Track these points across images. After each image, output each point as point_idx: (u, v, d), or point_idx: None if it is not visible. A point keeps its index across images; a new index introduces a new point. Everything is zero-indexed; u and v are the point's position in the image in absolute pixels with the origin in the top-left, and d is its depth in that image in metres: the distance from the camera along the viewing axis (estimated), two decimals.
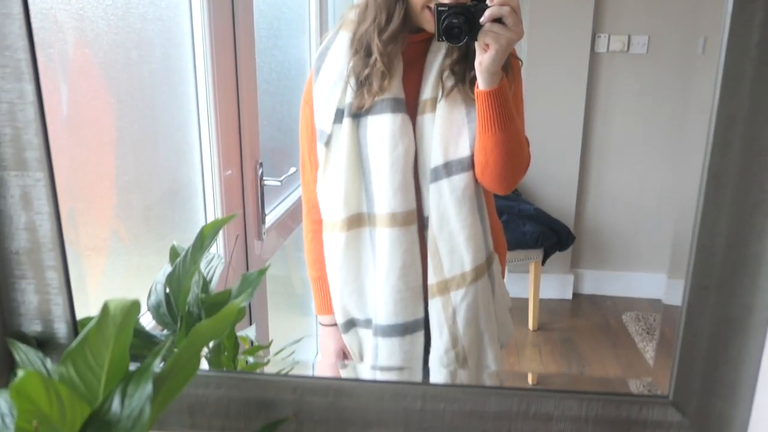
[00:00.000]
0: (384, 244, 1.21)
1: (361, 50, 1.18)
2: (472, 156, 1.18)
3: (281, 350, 0.98)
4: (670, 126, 3.16)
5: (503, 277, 1.37)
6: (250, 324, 1.61)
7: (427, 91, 1.19)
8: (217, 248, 1.54)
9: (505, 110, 1.12)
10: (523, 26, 1.07)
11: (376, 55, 1.16)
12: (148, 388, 0.54)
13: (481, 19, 1.06)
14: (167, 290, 0.75)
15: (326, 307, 1.35)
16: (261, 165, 1.66)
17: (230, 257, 1.31)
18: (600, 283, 3.42)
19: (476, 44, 1.08)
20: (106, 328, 0.53)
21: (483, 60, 1.08)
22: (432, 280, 1.24)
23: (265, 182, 1.69)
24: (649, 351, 2.87)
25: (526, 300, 3.18)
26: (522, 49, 3.33)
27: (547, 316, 3.20)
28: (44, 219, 0.65)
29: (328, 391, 0.68)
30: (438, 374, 1.30)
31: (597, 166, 3.26)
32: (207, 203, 1.50)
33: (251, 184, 1.64)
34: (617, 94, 3.16)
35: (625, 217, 3.31)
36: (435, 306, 1.25)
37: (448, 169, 1.18)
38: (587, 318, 3.19)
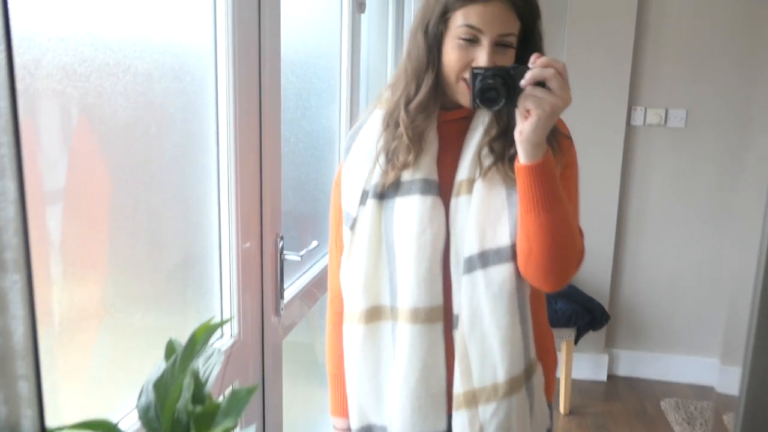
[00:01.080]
0: (404, 342, 1.08)
1: (392, 124, 1.11)
2: (512, 246, 1.04)
3: None
4: (710, 201, 3.05)
5: (549, 395, 1.20)
6: (263, 409, 1.53)
7: (463, 171, 1.08)
8: (231, 326, 1.49)
9: (551, 188, 0.98)
10: (570, 92, 0.94)
11: (402, 127, 1.08)
12: None
13: (522, 82, 0.94)
14: (154, 395, 0.69)
15: (341, 408, 1.23)
16: (281, 238, 1.62)
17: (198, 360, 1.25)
18: (636, 364, 3.25)
19: (516, 111, 0.97)
20: None
21: (524, 128, 0.96)
22: (458, 388, 1.08)
23: (286, 257, 1.64)
24: None
25: (558, 381, 3.03)
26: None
27: (580, 399, 3.03)
28: (18, 324, 0.60)
29: None
30: None
31: (633, 242, 3.15)
32: (223, 277, 1.46)
33: (270, 258, 1.59)
34: (654, 168, 3.07)
35: (663, 296, 3.16)
36: (459, 419, 1.09)
37: (484, 259, 1.05)
38: (623, 402, 3.00)
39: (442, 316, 1.08)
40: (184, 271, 1.30)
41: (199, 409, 0.68)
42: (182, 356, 0.65)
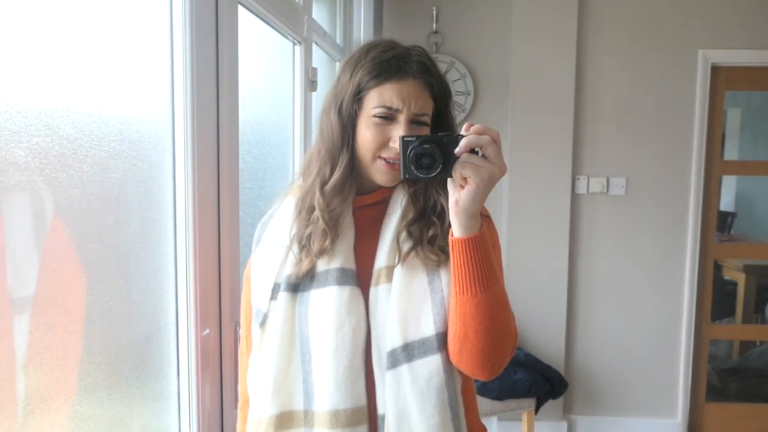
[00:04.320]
0: None
1: (305, 209, 1.03)
2: (438, 335, 0.95)
3: None
4: (654, 264, 3.14)
5: None
6: None
7: (381, 259, 0.99)
8: (189, 419, 1.38)
9: (487, 263, 0.91)
10: (504, 160, 0.90)
11: (317, 211, 1.00)
12: None
13: (457, 150, 0.89)
14: None
15: None
16: (240, 326, 1.54)
17: None
18: (594, 429, 3.22)
19: (449, 182, 0.91)
20: None
21: (460, 198, 0.89)
22: None
23: None
24: None
25: None
26: (503, 193, 3.37)
27: None
28: None
29: None
30: None
31: (584, 308, 3.18)
32: (181, 366, 1.37)
33: (229, 345, 1.51)
34: (599, 234, 3.15)
35: (617, 360, 3.18)
36: None
37: (408, 352, 0.95)
38: None
39: (366, 419, 0.97)
40: (141, 362, 1.21)
41: None
42: None
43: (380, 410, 0.97)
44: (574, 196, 3.15)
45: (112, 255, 1.08)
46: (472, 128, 0.90)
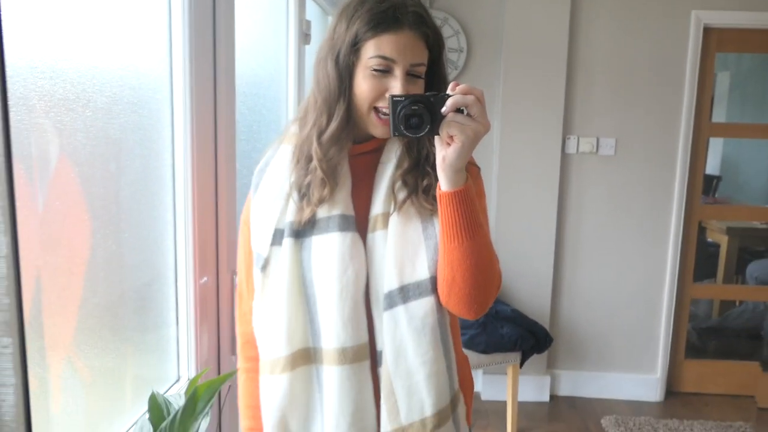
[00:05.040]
0: (332, 385, 1.03)
1: (302, 158, 1.05)
2: (431, 279, 1.02)
3: None
4: (641, 225, 3.19)
5: (469, 423, 1.18)
6: None
7: (377, 206, 1.04)
8: (188, 367, 1.42)
9: (472, 214, 0.97)
10: (488, 118, 0.94)
11: (315, 160, 1.03)
12: None
13: (443, 109, 0.93)
14: None
15: None
16: (236, 273, 1.57)
17: (222, 407, 1.19)
18: (577, 384, 3.32)
19: (437, 140, 0.95)
20: None
21: (447, 155, 0.93)
22: (386, 427, 1.04)
23: None
24: None
25: (504, 403, 3.05)
26: (494, 151, 3.40)
27: (526, 421, 3.06)
28: (9, 392, 0.55)
29: None
30: None
31: (571, 266, 3.25)
32: (180, 312, 1.39)
33: (226, 293, 1.54)
34: (589, 194, 3.19)
35: (600, 317, 3.26)
36: None
37: (404, 294, 1.02)
38: (566, 422, 3.06)
39: (368, 354, 1.04)
40: (141, 308, 1.23)
41: None
42: (182, 414, 0.60)
43: (378, 347, 1.04)
44: (564, 156, 3.18)
45: (114, 200, 1.10)
46: (458, 88, 0.93)
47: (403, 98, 0.94)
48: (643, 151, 3.16)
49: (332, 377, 1.03)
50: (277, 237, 1.06)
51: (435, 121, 0.93)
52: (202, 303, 1.45)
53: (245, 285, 1.13)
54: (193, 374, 1.46)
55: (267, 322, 1.07)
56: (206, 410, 0.61)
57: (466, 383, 1.16)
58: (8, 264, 0.53)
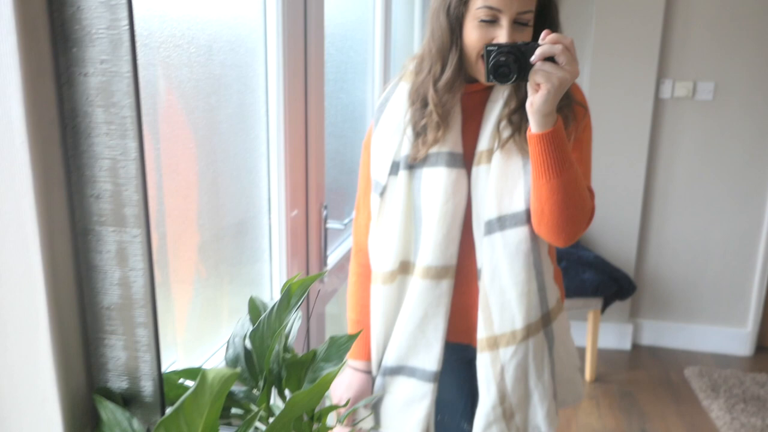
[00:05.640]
0: (413, 293, 1.20)
1: (418, 101, 1.18)
2: (527, 210, 1.14)
3: (350, 412, 0.94)
4: (736, 174, 3.05)
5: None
6: None
7: (483, 142, 1.16)
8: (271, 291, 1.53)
9: (560, 154, 1.05)
10: (578, 66, 1.00)
11: (431, 106, 1.15)
12: None
13: (532, 58, 1.00)
14: (249, 346, 0.74)
15: (363, 352, 1.34)
16: (326, 207, 1.66)
17: (311, 312, 1.30)
18: (660, 334, 3.28)
19: (528, 85, 1.03)
20: (203, 397, 0.51)
21: (534, 100, 1.02)
22: (481, 334, 1.20)
23: (329, 225, 1.68)
24: (714, 410, 2.73)
25: (583, 349, 3.07)
26: (584, 93, 3.33)
27: (605, 367, 3.07)
28: (138, 275, 0.65)
29: None
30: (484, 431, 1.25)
31: (659, 214, 3.16)
32: (273, 242, 1.50)
33: (315, 226, 1.63)
34: (681, 141, 3.07)
35: (687, 267, 3.18)
36: (483, 361, 1.21)
37: (501, 223, 1.15)
38: (647, 371, 3.05)
39: (452, 275, 1.19)
40: (238, 237, 1.34)
41: (294, 356, 0.73)
42: (278, 308, 0.69)
43: (479, 265, 1.19)
44: (658, 101, 3.06)
45: (216, 131, 1.20)
46: (547, 37, 1.01)
47: (496, 47, 1.03)
48: (744, 96, 3.00)
49: (415, 287, 1.20)
50: (394, 168, 1.22)
51: (523, 69, 1.02)
52: (293, 236, 1.55)
53: (362, 200, 1.32)
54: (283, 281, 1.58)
55: (381, 240, 1.24)
56: (299, 304, 0.69)
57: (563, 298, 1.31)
58: (137, 166, 0.62)
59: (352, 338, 0.68)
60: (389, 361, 1.27)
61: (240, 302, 1.39)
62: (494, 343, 1.19)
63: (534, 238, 1.16)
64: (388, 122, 1.23)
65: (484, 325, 1.19)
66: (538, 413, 1.24)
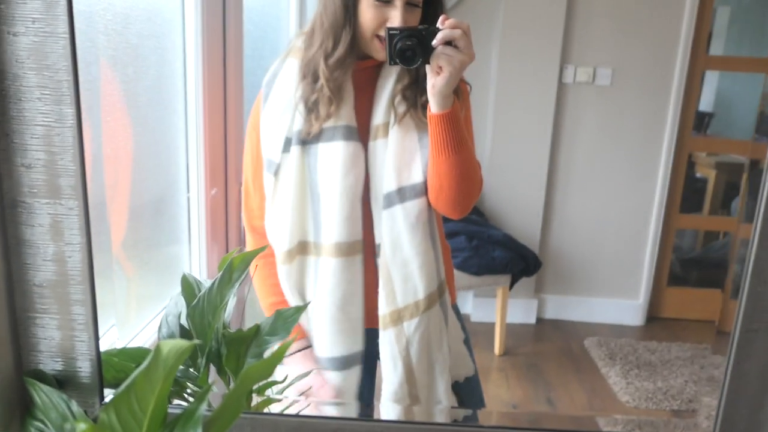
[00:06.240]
0: (327, 274, 1.19)
1: (309, 76, 1.18)
2: (425, 182, 1.18)
3: (289, 385, 0.94)
4: (633, 156, 3.26)
5: (453, 302, 1.35)
6: None
7: (378, 117, 1.19)
8: (200, 274, 1.49)
9: (458, 133, 1.12)
10: (473, 49, 1.07)
11: (322, 80, 1.15)
12: None
13: (434, 42, 1.06)
14: (188, 325, 0.72)
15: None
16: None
17: (248, 288, 1.27)
18: (562, 308, 3.47)
19: (428, 68, 1.08)
20: (156, 371, 0.49)
21: (436, 83, 1.08)
22: (384, 310, 1.21)
23: None
24: (612, 376, 2.92)
25: (493, 324, 3.19)
26: (492, 76, 3.40)
27: (513, 341, 3.21)
28: (75, 250, 0.61)
29: None
30: (390, 410, 1.27)
31: (562, 193, 3.33)
32: (192, 220, 1.46)
33: (235, 205, 1.60)
34: (583, 124, 3.23)
35: (587, 243, 3.37)
36: (388, 338, 1.22)
37: (401, 194, 1.18)
38: (551, 342, 3.22)
39: (362, 249, 1.20)
40: (156, 216, 1.29)
41: (236, 332, 0.71)
42: (219, 284, 0.67)
43: (377, 240, 1.20)
44: (561, 85, 3.20)
45: (133, 104, 1.14)
46: (446, 22, 1.07)
47: (399, 31, 1.07)
48: (639, 82, 3.19)
49: (328, 267, 1.19)
50: (287, 145, 1.19)
51: (426, 52, 1.07)
52: (212, 215, 1.51)
53: (251, 185, 1.28)
54: None
55: (278, 219, 1.22)
56: (240, 279, 0.68)
57: (449, 271, 1.33)
58: (73, 134, 0.58)
59: (299, 310, 0.68)
60: (320, 351, 1.25)
61: (154, 289, 1.34)
62: (398, 318, 1.21)
63: (429, 209, 1.20)
64: (278, 99, 1.22)
65: (386, 300, 1.21)
66: (440, 386, 1.27)
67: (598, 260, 3.39)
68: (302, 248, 1.21)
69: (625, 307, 3.44)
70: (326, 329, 1.22)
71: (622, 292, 3.45)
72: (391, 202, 1.18)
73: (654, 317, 3.59)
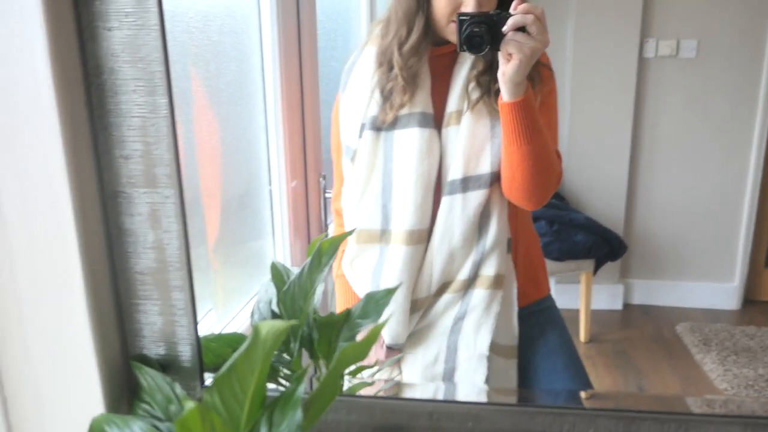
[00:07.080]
0: (397, 262, 1.16)
1: (385, 64, 1.16)
2: (491, 174, 1.14)
3: (380, 369, 0.94)
4: (722, 131, 3.08)
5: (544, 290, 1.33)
6: None
7: (452, 104, 1.15)
8: (285, 261, 1.52)
9: (531, 122, 1.07)
10: (548, 35, 1.02)
11: (396, 69, 1.13)
12: (297, 415, 0.51)
13: (504, 28, 1.01)
14: (280, 310, 0.73)
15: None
16: (324, 177, 1.64)
17: (326, 273, 1.29)
18: (650, 293, 3.33)
19: (499, 54, 1.04)
20: (255, 353, 0.50)
21: (506, 70, 1.03)
22: (410, 296, 1.18)
23: (327, 194, 1.67)
24: (707, 363, 2.79)
25: (577, 311, 3.10)
26: (567, 56, 3.31)
27: (598, 328, 3.12)
28: (173, 237, 0.63)
29: (467, 417, 0.64)
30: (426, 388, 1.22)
31: (646, 173, 3.19)
32: (274, 212, 1.49)
33: (315, 196, 1.62)
34: (666, 100, 3.09)
35: (675, 225, 3.22)
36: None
37: (465, 184, 1.14)
38: (639, 329, 3.10)
39: (427, 238, 1.18)
40: (240, 210, 1.33)
41: (327, 316, 0.72)
42: (309, 269, 0.68)
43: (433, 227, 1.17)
44: (642, 60, 3.07)
45: (216, 100, 1.17)
46: (519, 7, 1.01)
47: (469, 17, 1.03)
48: (726, 54, 3.01)
49: (398, 255, 1.16)
50: (362, 130, 1.18)
51: (496, 39, 1.02)
52: (294, 207, 1.54)
53: (334, 168, 1.29)
54: None
55: (351, 204, 1.22)
56: (330, 263, 0.68)
57: (538, 263, 1.30)
58: (167, 124, 0.60)
59: (390, 292, 0.67)
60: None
61: (238, 282, 1.38)
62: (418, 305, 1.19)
63: (501, 200, 1.16)
64: (355, 86, 1.21)
65: (419, 288, 1.18)
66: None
67: (688, 242, 3.23)
68: (366, 236, 1.20)
69: (718, 291, 3.27)
70: (393, 308, 1.19)
71: (715, 275, 3.27)
72: (454, 190, 1.15)
73: (751, 300, 3.38)
